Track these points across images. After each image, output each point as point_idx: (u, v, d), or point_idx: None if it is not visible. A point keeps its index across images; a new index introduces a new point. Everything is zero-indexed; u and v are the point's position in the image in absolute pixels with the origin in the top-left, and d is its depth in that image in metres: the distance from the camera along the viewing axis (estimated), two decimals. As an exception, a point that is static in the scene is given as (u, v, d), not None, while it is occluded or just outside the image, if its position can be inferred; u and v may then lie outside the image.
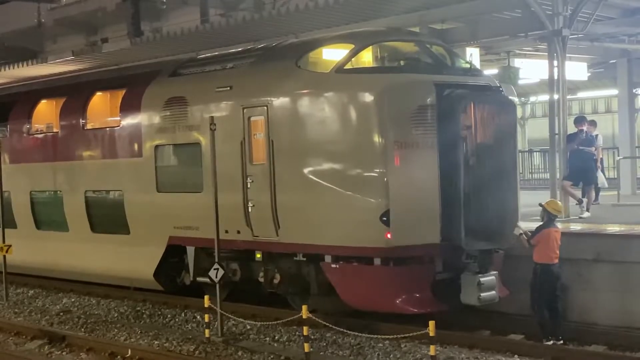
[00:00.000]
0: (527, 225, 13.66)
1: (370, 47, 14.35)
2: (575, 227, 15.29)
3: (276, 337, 13.38)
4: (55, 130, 18.67)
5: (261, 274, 14.69)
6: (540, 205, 12.87)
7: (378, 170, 12.93)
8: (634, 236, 13.59)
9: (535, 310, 12.69)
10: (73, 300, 17.52)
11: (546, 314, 12.61)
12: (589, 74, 24.50)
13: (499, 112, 13.38)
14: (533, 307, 12.74)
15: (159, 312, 15.76)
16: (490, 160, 13.16)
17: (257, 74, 14.66)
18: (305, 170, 13.58)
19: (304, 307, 12.29)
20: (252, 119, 14.26)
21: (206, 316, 13.44)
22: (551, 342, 12.41)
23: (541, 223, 12.86)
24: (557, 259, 12.64)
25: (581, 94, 31.02)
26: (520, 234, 12.74)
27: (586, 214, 16.73)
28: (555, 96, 16.59)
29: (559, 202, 12.88)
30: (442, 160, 12.89)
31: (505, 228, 13.13)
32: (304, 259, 13.96)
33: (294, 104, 13.80)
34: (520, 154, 23.24)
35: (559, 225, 13.23)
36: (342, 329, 12.67)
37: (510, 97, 13.87)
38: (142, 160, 16.33)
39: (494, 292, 13.07)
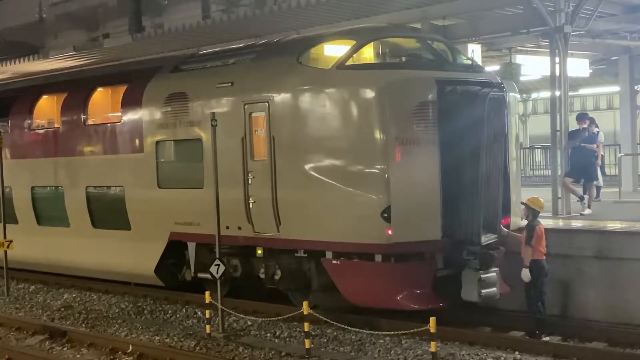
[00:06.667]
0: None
1: (372, 43, 14.32)
2: (577, 223, 15.28)
3: (277, 333, 13.38)
4: (56, 125, 18.64)
5: (262, 270, 14.70)
6: (523, 203, 12.96)
7: (379, 167, 12.93)
8: (635, 233, 13.58)
9: (535, 309, 12.67)
10: (74, 295, 17.52)
11: (542, 308, 12.64)
12: (591, 71, 24.52)
13: (494, 108, 13.38)
14: (531, 306, 12.74)
15: (160, 308, 15.77)
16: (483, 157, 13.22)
17: (258, 70, 14.64)
18: (307, 167, 13.57)
19: (305, 303, 12.31)
20: (253, 115, 14.25)
21: (207, 312, 13.45)
22: (547, 338, 12.48)
23: (528, 222, 12.91)
24: (544, 254, 12.73)
25: (583, 91, 30.98)
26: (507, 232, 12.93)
27: (587, 211, 16.73)
28: (557, 93, 16.60)
29: (541, 199, 12.97)
30: (443, 156, 12.89)
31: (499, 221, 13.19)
32: (305, 255, 13.97)
33: (295, 100, 13.79)
34: (521, 150, 23.21)
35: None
36: (343, 325, 12.70)
37: (503, 95, 13.71)
38: (143, 156, 16.32)
39: (494, 288, 13.07)
